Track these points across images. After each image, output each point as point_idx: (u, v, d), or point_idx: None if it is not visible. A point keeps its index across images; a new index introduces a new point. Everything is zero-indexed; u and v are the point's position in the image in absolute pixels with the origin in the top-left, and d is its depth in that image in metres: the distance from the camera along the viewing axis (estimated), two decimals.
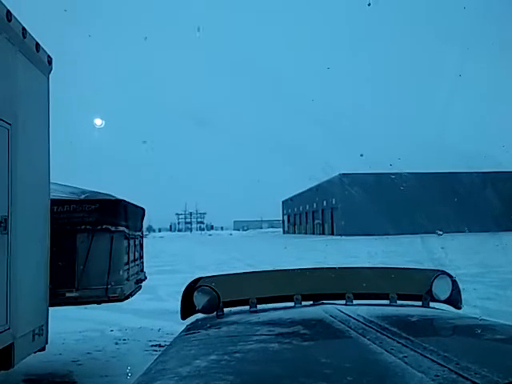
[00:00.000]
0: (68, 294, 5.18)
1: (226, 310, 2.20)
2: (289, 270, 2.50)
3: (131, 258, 6.31)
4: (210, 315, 2.17)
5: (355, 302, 2.20)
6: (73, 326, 7.37)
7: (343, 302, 2.19)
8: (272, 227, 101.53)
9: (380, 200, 38.68)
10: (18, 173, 3.84)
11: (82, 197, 5.55)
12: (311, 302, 2.23)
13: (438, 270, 2.32)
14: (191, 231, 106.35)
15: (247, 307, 2.21)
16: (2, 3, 3.66)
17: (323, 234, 56.99)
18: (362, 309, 1.94)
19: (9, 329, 3.66)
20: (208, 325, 1.95)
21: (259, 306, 2.20)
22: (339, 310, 1.90)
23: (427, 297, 2.21)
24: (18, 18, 3.89)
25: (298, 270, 2.53)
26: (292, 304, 2.23)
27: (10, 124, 3.75)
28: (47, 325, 4.46)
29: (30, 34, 4.12)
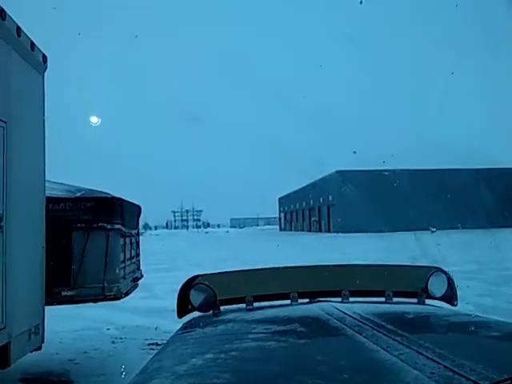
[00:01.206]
0: (64, 293, 5.16)
1: (222, 308, 2.20)
2: (285, 267, 2.51)
3: (127, 256, 6.30)
4: (207, 313, 2.17)
5: (351, 299, 2.21)
6: (69, 325, 7.35)
7: (339, 299, 2.19)
8: (269, 224, 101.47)
9: (375, 197, 38.79)
10: (13, 171, 3.83)
11: (78, 195, 5.54)
12: (307, 300, 2.24)
13: (434, 267, 2.33)
14: (187, 229, 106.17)
15: (244, 305, 2.21)
16: None
17: (320, 231, 57.04)
18: (358, 306, 1.95)
19: (4, 328, 3.65)
20: (204, 323, 1.95)
21: (256, 304, 2.20)
22: (335, 308, 1.91)
23: (423, 294, 2.21)
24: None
25: (293, 267, 2.53)
26: (288, 302, 2.23)
27: (5, 122, 3.75)
28: (43, 324, 4.45)
29: (24, 33, 4.10)
